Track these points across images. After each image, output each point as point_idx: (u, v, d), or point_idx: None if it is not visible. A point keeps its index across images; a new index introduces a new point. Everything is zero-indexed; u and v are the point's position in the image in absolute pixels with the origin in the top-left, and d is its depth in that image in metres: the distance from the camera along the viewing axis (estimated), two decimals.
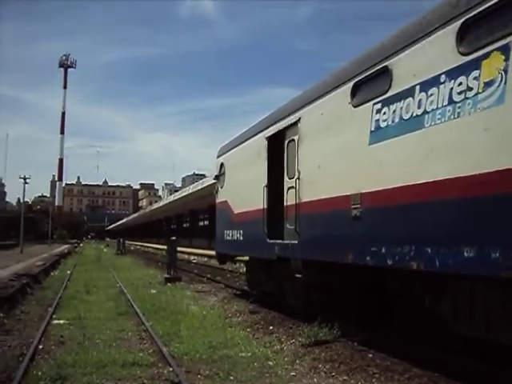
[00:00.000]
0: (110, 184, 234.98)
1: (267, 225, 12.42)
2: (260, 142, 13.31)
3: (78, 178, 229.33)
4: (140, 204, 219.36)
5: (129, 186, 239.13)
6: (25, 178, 62.18)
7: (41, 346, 9.42)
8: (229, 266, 32.57)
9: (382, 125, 8.03)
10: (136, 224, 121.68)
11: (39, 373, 7.47)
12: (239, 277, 25.01)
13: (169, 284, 20.69)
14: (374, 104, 8.28)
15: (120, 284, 20.34)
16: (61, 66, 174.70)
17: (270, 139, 12.72)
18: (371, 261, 8.17)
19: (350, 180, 8.92)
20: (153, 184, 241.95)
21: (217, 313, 13.33)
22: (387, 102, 7.93)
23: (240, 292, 18.21)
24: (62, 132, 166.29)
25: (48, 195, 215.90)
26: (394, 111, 7.72)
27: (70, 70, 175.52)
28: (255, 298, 14.77)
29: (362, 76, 8.77)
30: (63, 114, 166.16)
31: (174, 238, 24.40)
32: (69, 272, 27.14)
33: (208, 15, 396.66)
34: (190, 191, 53.94)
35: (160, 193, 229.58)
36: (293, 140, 11.45)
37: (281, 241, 11.76)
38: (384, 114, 8.00)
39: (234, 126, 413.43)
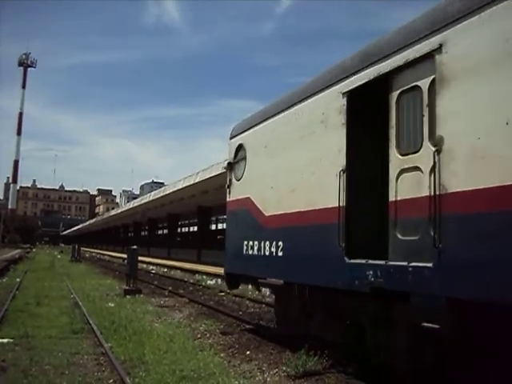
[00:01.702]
0: (66, 189, 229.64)
1: (345, 234, 7.87)
2: (326, 104, 8.71)
3: (34, 181, 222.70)
4: (97, 210, 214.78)
5: (86, 192, 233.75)
6: None
7: None
8: (190, 278, 31.29)
9: None
10: (92, 230, 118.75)
11: None
12: (203, 290, 23.64)
13: (128, 296, 19.09)
14: None
15: (74, 295, 18.68)
16: (20, 64, 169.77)
17: (354, 94, 8.13)
18: None
19: None
20: (110, 190, 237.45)
21: (184, 332, 11.92)
22: None
23: (206, 308, 16.78)
24: (19, 133, 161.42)
25: (1, 198, 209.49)
26: None
27: (30, 69, 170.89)
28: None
29: None
30: (20, 114, 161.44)
31: (134, 247, 22.78)
32: (18, 280, 25.15)
33: (173, 24, 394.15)
34: (151, 198, 52.16)
35: (118, 199, 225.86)
36: (416, 89, 6.97)
37: (382, 262, 7.12)
38: None
39: (195, 136, 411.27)
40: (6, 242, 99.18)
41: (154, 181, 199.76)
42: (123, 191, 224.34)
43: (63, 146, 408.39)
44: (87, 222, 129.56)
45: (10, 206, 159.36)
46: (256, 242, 10.66)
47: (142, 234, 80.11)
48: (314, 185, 8.86)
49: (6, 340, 10.40)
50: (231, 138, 12.81)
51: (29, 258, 56.26)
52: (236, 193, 12.10)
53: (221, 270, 29.71)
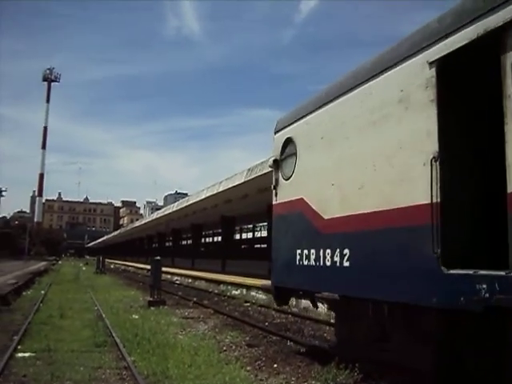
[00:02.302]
0: (91, 201, 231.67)
1: (441, 238, 6.20)
2: (405, 79, 7.10)
3: (59, 193, 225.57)
4: (121, 222, 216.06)
5: (110, 204, 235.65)
6: (0, 191, 59.88)
7: None
8: (214, 288, 30.99)
9: None
10: (117, 242, 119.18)
11: None
12: (228, 300, 23.31)
13: (152, 308, 18.84)
14: None
15: (98, 307, 18.45)
16: (44, 79, 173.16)
17: (446, 62, 6.46)
18: None
19: None
20: (134, 202, 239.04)
21: (209, 345, 11.56)
22: None
23: (231, 319, 16.43)
24: (44, 147, 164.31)
25: (28, 211, 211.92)
26: None
27: (54, 84, 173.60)
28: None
29: None
30: (45, 128, 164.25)
31: (158, 257, 22.56)
32: (43, 292, 25.08)
33: (193, 36, 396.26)
34: (174, 209, 52.08)
35: (141, 211, 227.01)
36: None
37: (501, 272, 5.40)
38: None
39: (217, 146, 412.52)
40: (31, 254, 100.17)
41: (178, 192, 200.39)
42: (147, 202, 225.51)
43: (87, 158, 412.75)
44: (112, 234, 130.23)
45: (35, 219, 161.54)
46: (313, 251, 8.86)
47: (166, 244, 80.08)
48: (392, 178, 7.16)
49: (27, 354, 10.16)
50: (276, 132, 11.02)
51: (54, 271, 56.47)
52: (284, 194, 10.26)
53: (246, 280, 29.60)
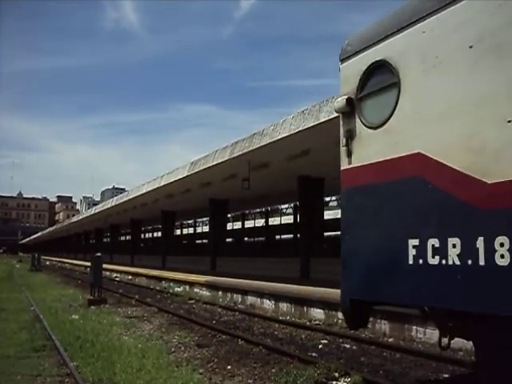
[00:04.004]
0: (24, 196, 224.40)
1: None
2: None
3: None
4: (57, 217, 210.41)
5: (45, 199, 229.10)
6: None
7: None
8: (156, 285, 30.23)
9: None
10: (53, 238, 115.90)
11: None
12: (171, 298, 22.67)
13: (93, 307, 17.99)
14: None
15: (35, 307, 17.46)
16: None
17: None
18: None
19: None
20: (71, 197, 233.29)
21: (157, 346, 10.95)
22: None
23: (177, 318, 15.83)
24: None
25: None
26: None
27: None
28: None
29: None
30: None
31: (98, 254, 21.68)
32: None
33: (132, 29, 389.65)
34: (113, 204, 50.72)
35: (78, 206, 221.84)
36: None
37: None
38: None
39: (156, 141, 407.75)
40: None
41: (115, 187, 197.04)
42: (84, 198, 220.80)
43: (21, 152, 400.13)
44: (47, 230, 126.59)
45: None
46: (456, 241, 5.28)
47: (105, 240, 78.34)
48: None
49: None
50: (346, 59, 7.28)
51: None
52: (372, 151, 6.56)
53: (189, 277, 29.05)
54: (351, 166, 6.93)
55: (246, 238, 61.29)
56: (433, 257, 5.50)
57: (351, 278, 6.86)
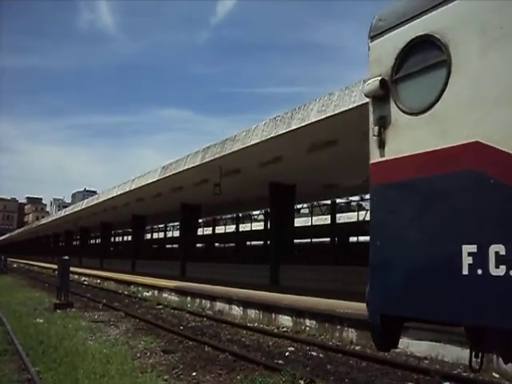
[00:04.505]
0: None
1: None
2: None
3: None
4: (26, 219, 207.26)
5: (14, 200, 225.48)
6: None
7: None
8: (125, 290, 29.91)
9: None
10: (21, 240, 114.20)
11: None
12: (139, 302, 22.45)
13: (59, 311, 17.71)
14: None
15: None
16: None
17: None
18: None
19: None
20: (40, 199, 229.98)
21: (122, 351, 10.81)
22: None
23: (144, 323, 15.67)
24: None
25: None
26: None
27: None
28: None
29: None
30: None
31: (66, 257, 21.37)
32: None
33: (107, 31, 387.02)
34: (83, 207, 50.19)
35: (48, 208, 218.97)
36: None
37: None
38: None
39: (129, 144, 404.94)
40: None
41: (87, 189, 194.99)
42: (54, 199, 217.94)
43: None
44: (15, 232, 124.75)
45: None
46: None
47: (74, 243, 77.45)
48: None
49: None
50: (378, 36, 6.20)
51: None
52: (411, 141, 5.56)
53: (158, 282, 28.83)
54: (384, 158, 5.83)
55: (216, 244, 61.10)
56: (497, 267, 4.47)
57: (383, 289, 5.72)
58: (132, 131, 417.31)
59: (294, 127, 16.03)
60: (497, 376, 9.25)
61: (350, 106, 13.73)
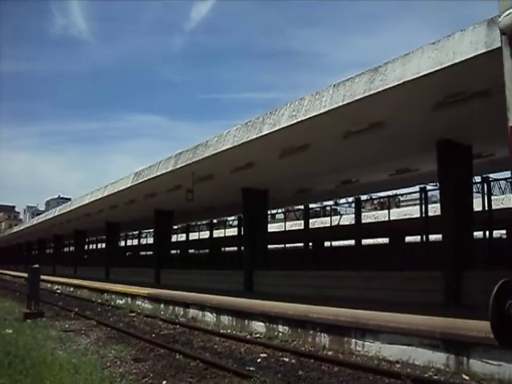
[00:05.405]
0: None
1: None
2: None
3: None
4: None
5: None
6: None
7: None
8: (98, 298, 29.54)
9: None
10: None
11: None
12: (112, 310, 22.20)
13: (29, 321, 17.39)
14: None
15: None
16: None
17: None
18: None
19: None
20: (13, 206, 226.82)
21: (91, 361, 10.63)
22: None
23: (115, 331, 15.48)
24: None
25: None
26: None
27: None
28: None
29: None
30: None
31: (36, 265, 21.03)
32: None
33: (81, 36, 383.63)
34: (56, 214, 49.55)
35: (21, 216, 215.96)
36: None
37: None
38: None
39: (103, 151, 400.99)
40: None
41: (61, 196, 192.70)
42: (27, 207, 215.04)
43: None
44: None
45: None
46: None
47: (47, 251, 76.41)
48: None
49: None
50: None
51: None
52: None
53: (130, 289, 28.51)
54: None
55: (191, 251, 60.76)
56: None
57: None
58: (107, 137, 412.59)
59: (265, 132, 16.00)
60: (467, 378, 9.31)
61: (321, 111, 13.78)
